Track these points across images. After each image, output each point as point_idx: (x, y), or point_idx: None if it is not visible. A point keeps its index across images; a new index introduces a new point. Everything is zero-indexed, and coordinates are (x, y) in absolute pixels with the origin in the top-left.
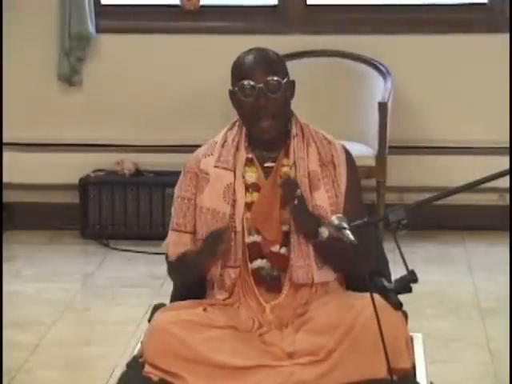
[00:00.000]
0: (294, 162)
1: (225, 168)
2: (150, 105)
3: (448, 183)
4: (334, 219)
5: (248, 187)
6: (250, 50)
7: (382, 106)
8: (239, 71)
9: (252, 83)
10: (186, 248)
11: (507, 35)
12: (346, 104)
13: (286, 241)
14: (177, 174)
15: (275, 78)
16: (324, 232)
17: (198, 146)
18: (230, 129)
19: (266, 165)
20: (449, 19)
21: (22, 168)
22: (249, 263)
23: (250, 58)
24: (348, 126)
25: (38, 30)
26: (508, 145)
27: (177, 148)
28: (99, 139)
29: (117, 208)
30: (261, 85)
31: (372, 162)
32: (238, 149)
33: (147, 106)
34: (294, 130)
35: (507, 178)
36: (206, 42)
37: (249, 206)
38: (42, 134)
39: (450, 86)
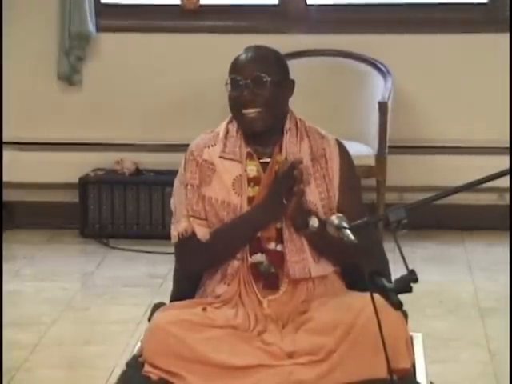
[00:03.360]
0: (286, 158)
1: (231, 159)
2: (150, 104)
3: (448, 183)
4: (334, 219)
5: (249, 181)
6: (251, 46)
7: (382, 106)
8: (232, 66)
9: (239, 78)
10: (209, 232)
11: (507, 35)
12: (345, 104)
13: (281, 238)
14: (176, 173)
15: (263, 75)
16: (314, 222)
17: None
18: (231, 122)
19: (261, 160)
20: (449, 19)
21: (21, 167)
22: (248, 257)
23: (245, 54)
24: (348, 125)
25: (37, 29)
26: (508, 145)
27: (177, 147)
28: (99, 138)
29: (116, 207)
30: (248, 80)
31: (372, 162)
32: (241, 141)
33: (147, 106)
34: (288, 125)
35: (507, 177)
36: (206, 41)
37: (250, 200)
38: (41, 133)
39: (449, 86)
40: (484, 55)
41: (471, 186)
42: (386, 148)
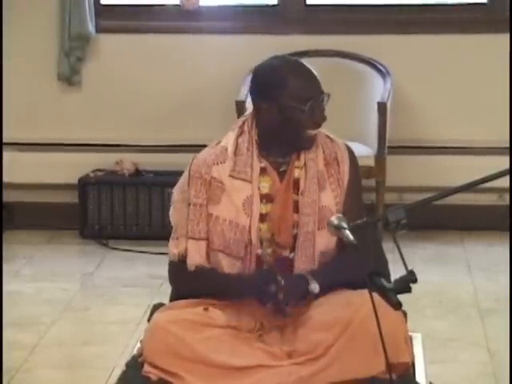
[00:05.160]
0: (305, 163)
1: (242, 179)
2: (150, 105)
3: (448, 183)
4: (334, 219)
5: (262, 198)
6: (290, 59)
7: (382, 106)
8: (303, 86)
9: (313, 98)
10: (203, 257)
11: (507, 35)
12: (345, 104)
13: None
14: (176, 173)
15: (327, 93)
16: (315, 288)
17: (198, 146)
18: (240, 135)
19: (281, 169)
20: (449, 19)
21: (21, 168)
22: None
23: (299, 69)
24: (347, 125)
25: (38, 29)
26: (508, 145)
27: (176, 148)
28: (99, 139)
29: (116, 208)
30: (321, 100)
31: (371, 162)
32: (252, 159)
33: (147, 106)
34: None
35: (507, 178)
36: (206, 41)
37: (262, 217)
38: (41, 133)
39: (449, 86)
40: (483, 55)
41: (471, 186)
42: (385, 148)
